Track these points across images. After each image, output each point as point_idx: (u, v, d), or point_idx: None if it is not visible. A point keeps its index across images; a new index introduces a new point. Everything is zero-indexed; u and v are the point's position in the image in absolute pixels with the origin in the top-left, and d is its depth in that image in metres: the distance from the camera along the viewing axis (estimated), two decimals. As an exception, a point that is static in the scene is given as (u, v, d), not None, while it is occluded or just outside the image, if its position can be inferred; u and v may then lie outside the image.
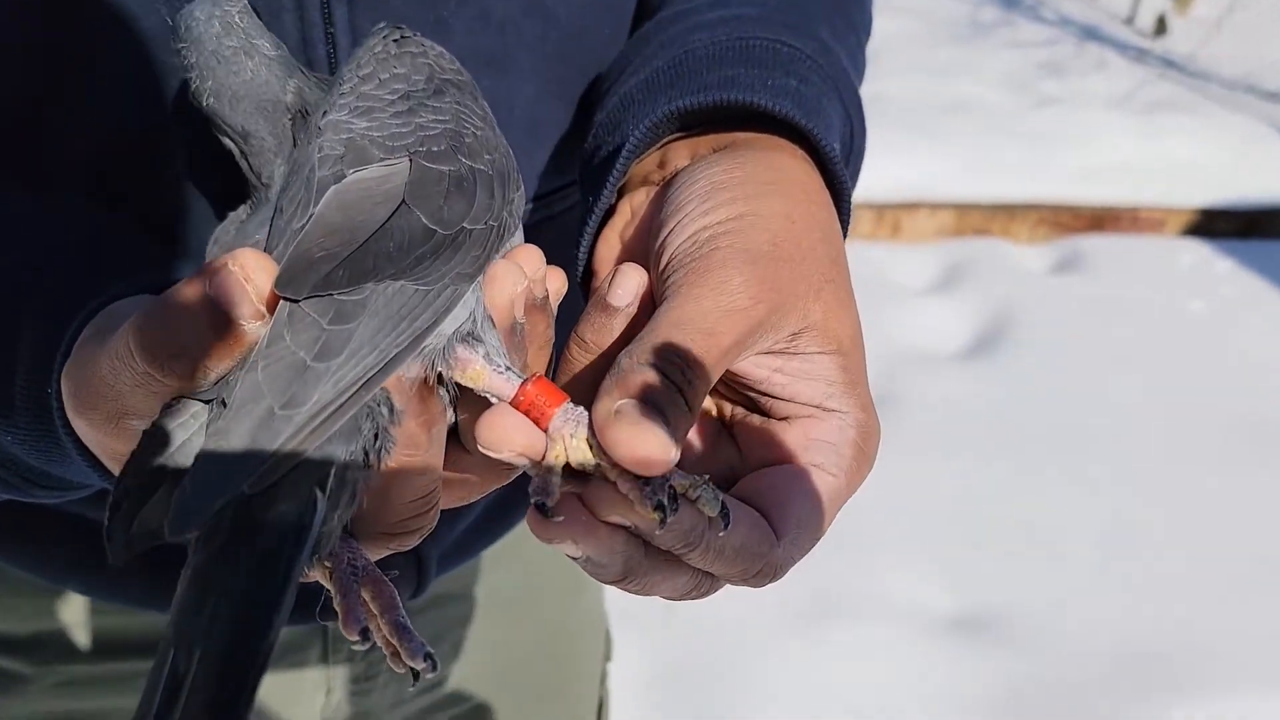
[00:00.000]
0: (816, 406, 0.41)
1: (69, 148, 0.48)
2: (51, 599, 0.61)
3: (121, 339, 0.35)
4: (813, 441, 0.41)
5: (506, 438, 0.37)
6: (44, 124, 0.48)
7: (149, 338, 0.34)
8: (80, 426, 0.39)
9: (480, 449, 0.37)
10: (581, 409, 0.38)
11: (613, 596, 0.96)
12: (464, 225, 0.37)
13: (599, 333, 0.42)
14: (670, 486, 0.37)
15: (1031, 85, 3.34)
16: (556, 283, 0.42)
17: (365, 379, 0.34)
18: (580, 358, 0.43)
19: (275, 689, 0.68)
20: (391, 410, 0.36)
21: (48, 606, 0.61)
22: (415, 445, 0.37)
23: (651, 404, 0.36)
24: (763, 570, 0.39)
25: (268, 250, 0.37)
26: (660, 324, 0.39)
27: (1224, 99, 3.28)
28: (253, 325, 0.34)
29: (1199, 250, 2.79)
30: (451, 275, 0.37)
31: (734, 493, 0.41)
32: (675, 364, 0.37)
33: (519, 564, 0.76)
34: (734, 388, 0.43)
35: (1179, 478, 2.00)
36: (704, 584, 0.40)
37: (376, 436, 0.36)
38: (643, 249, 0.45)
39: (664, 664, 1.62)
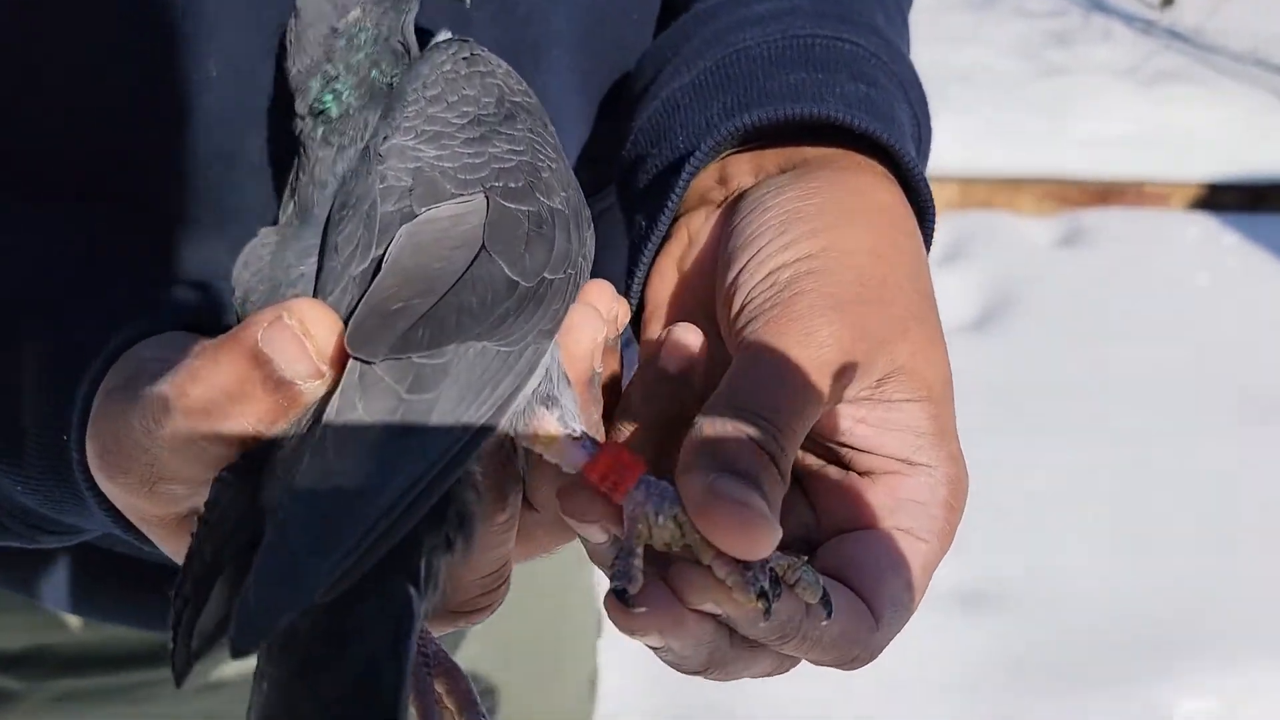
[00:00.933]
0: (903, 460, 0.37)
1: (58, 147, 0.44)
2: (41, 614, 0.59)
3: (157, 397, 0.31)
4: (900, 502, 0.37)
5: (588, 508, 0.33)
6: (26, 120, 0.44)
7: (192, 398, 0.30)
8: (110, 490, 0.35)
9: (564, 516, 0.34)
10: (664, 483, 0.34)
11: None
12: (545, 275, 0.33)
13: (650, 400, 0.38)
14: (771, 569, 0.33)
15: (1038, 55, 3.30)
16: (620, 310, 0.38)
17: (452, 456, 0.29)
18: (626, 425, 0.38)
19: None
20: (472, 487, 0.32)
21: (37, 622, 0.59)
22: (493, 520, 0.33)
23: (746, 477, 0.32)
24: (859, 657, 0.36)
25: (319, 295, 0.33)
26: (743, 379, 0.35)
27: (1231, 71, 3.24)
28: (311, 385, 0.30)
29: (1205, 223, 2.77)
30: (533, 334, 0.33)
31: (818, 564, 0.36)
32: (765, 429, 0.33)
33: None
34: (810, 438, 0.39)
35: (1183, 449, 1.99)
36: (787, 664, 0.36)
37: (461, 518, 0.32)
38: (705, 284, 0.41)
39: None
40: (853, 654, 0.35)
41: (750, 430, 0.33)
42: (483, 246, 0.32)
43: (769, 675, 0.37)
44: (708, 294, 0.40)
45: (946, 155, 2.90)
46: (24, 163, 0.44)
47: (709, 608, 0.33)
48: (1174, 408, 2.10)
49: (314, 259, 0.35)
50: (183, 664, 0.30)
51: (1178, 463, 1.97)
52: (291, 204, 0.37)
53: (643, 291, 0.44)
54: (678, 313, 0.42)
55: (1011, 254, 2.58)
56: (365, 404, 0.29)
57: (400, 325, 0.30)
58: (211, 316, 0.40)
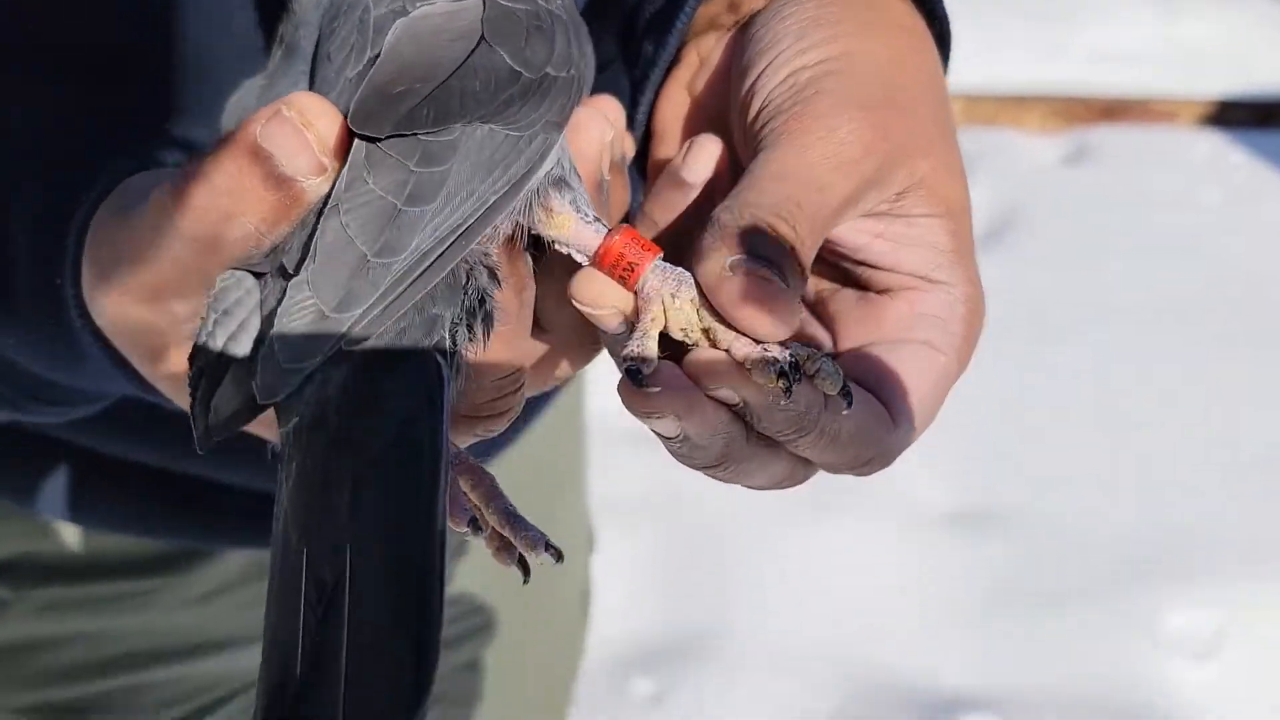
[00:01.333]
0: (921, 278, 0.37)
1: (39, 14, 0.42)
2: (27, 522, 0.58)
3: (158, 204, 0.30)
4: (919, 316, 0.37)
5: (604, 292, 0.33)
6: None
7: (192, 201, 0.29)
8: (108, 308, 0.34)
9: (577, 303, 0.33)
10: (680, 269, 0.33)
11: (598, 488, 0.94)
12: (548, 70, 0.33)
13: (668, 209, 0.38)
14: (791, 357, 0.32)
15: (1045, -32, 3.22)
16: (625, 144, 0.38)
17: (465, 227, 0.30)
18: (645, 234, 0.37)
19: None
20: (490, 272, 0.32)
21: (23, 530, 0.58)
22: (507, 313, 0.32)
23: (765, 259, 0.32)
24: (875, 458, 0.35)
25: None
26: (762, 177, 0.34)
27: (1244, -18, 3.16)
28: (314, 182, 0.29)
29: (1213, 141, 2.72)
30: (542, 123, 0.32)
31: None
32: (784, 219, 0.33)
33: (503, 464, 0.73)
34: (825, 259, 0.38)
35: (1189, 369, 1.99)
36: (799, 472, 0.36)
37: (481, 301, 0.32)
38: (718, 103, 0.40)
39: (662, 552, 1.62)
40: (868, 454, 0.35)
41: (770, 219, 0.33)
42: (482, 38, 0.32)
43: (779, 485, 0.36)
44: (721, 114, 0.39)
45: (950, 70, 2.84)
46: (3, 35, 0.42)
47: (725, 393, 0.32)
48: (1180, 327, 2.08)
49: (305, 83, 0.35)
50: (203, 435, 0.30)
51: (1182, 383, 1.96)
52: (279, 51, 0.36)
53: (649, 121, 0.43)
54: (689, 134, 0.41)
55: (1016, 172, 2.54)
56: (375, 177, 0.29)
57: (405, 104, 0.30)
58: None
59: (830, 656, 1.48)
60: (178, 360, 0.34)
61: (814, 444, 0.33)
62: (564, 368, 0.37)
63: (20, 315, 0.37)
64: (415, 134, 0.30)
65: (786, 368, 0.32)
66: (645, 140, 0.43)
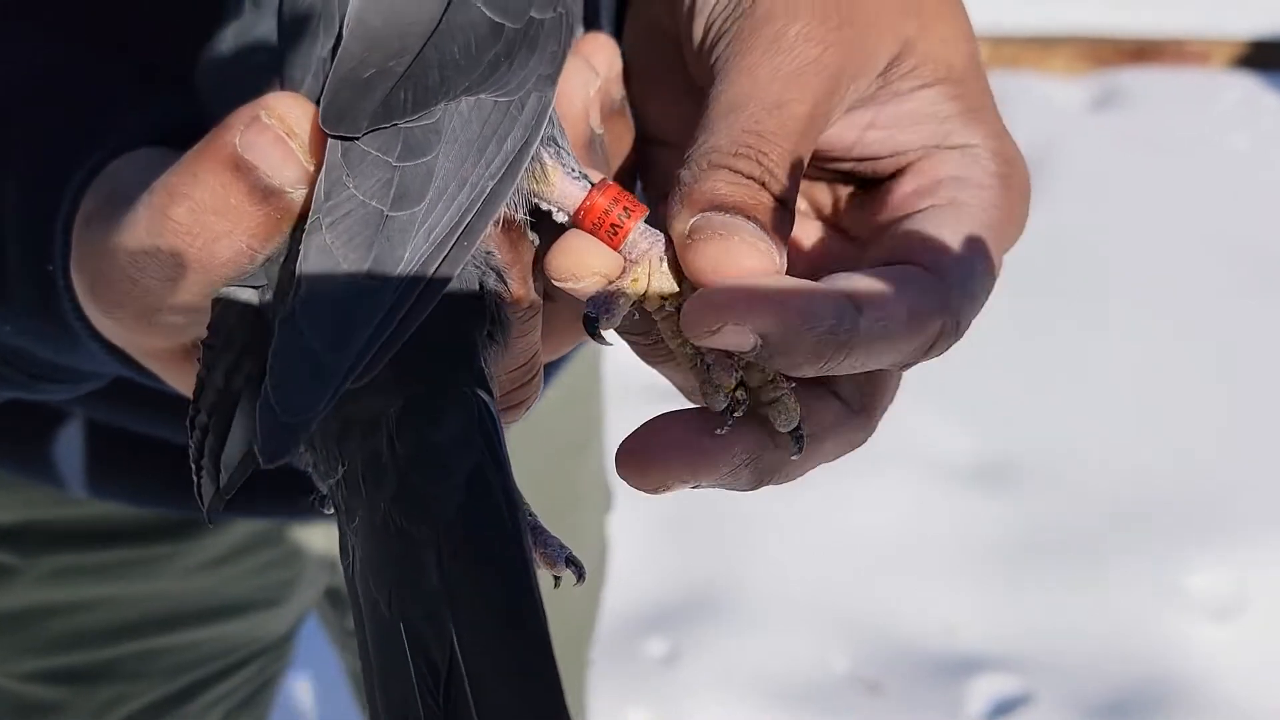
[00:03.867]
0: (931, 149, 0.32)
1: None
2: (36, 489, 0.57)
3: (140, 224, 0.28)
4: (935, 183, 0.32)
5: (581, 261, 0.29)
6: None
7: (178, 222, 0.27)
8: (104, 326, 0.32)
9: (551, 278, 0.30)
10: (659, 232, 0.30)
11: (611, 447, 0.93)
12: (531, 14, 0.29)
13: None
14: (736, 382, 0.29)
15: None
16: (617, 62, 0.34)
17: (464, 225, 0.27)
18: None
19: (278, 565, 0.65)
20: (496, 273, 0.29)
21: (32, 497, 0.57)
22: (518, 305, 0.30)
23: (733, 209, 0.29)
24: (944, 328, 0.30)
25: (287, 85, 0.30)
26: (712, 114, 0.30)
27: (1282, -83, 3.06)
28: (301, 191, 0.27)
29: (1246, 84, 2.66)
30: (534, 79, 0.29)
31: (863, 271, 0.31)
32: (746, 155, 0.29)
33: (522, 425, 0.72)
34: (824, 167, 0.34)
35: (1217, 319, 1.95)
36: (860, 428, 0.32)
37: (497, 307, 0.29)
38: (663, 38, 0.36)
39: (675, 510, 1.61)
40: (933, 329, 0.29)
41: (729, 161, 0.29)
42: None
43: (853, 446, 0.33)
44: (670, 48, 0.35)
45: (973, 12, 2.77)
46: None
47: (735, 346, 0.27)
48: (1208, 277, 2.05)
49: (273, 42, 0.32)
50: (212, 498, 0.28)
51: (1210, 334, 1.93)
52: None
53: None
54: (653, 72, 0.37)
55: (1042, 117, 2.49)
56: (356, 180, 0.26)
57: (378, 91, 0.27)
58: (184, 126, 0.36)
59: (845, 614, 1.48)
60: (176, 359, 0.33)
61: (868, 349, 0.28)
62: (575, 334, 0.34)
63: (15, 303, 0.36)
64: (395, 124, 0.27)
65: (731, 401, 0.29)
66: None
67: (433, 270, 0.26)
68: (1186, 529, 1.58)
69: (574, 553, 0.30)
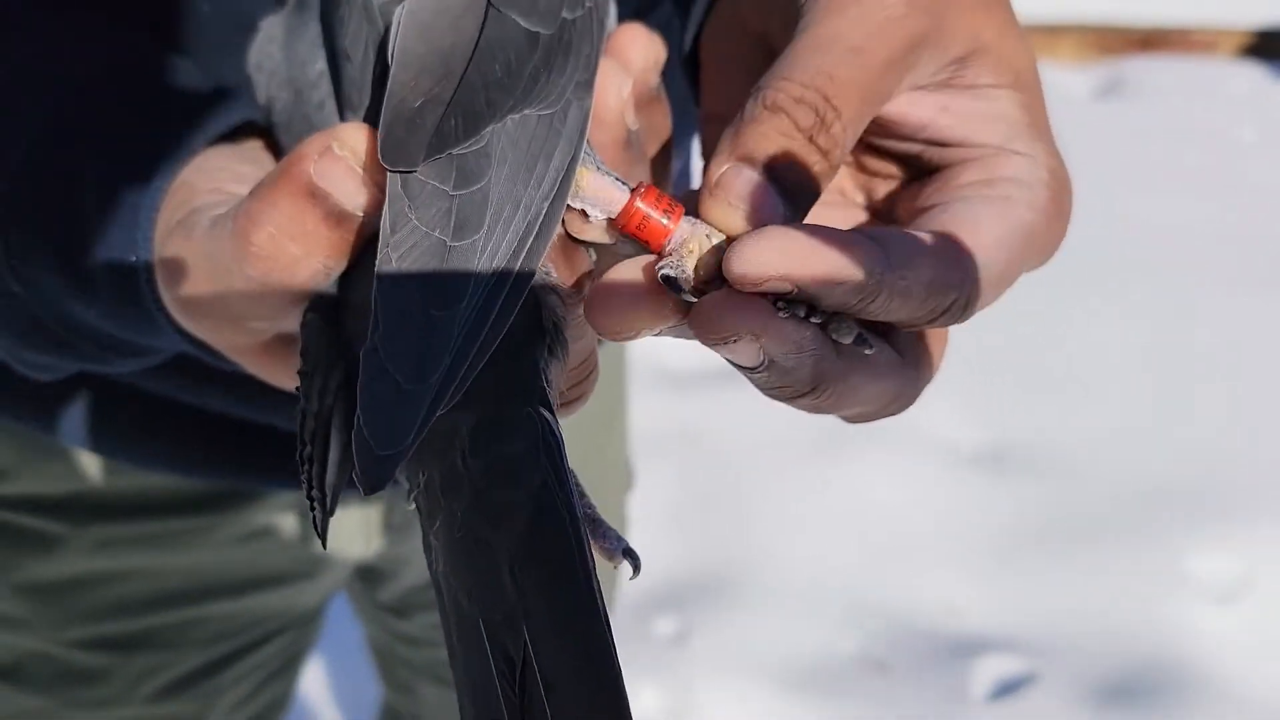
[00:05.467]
0: (997, 148, 0.33)
1: None
2: (85, 460, 0.58)
3: (225, 249, 0.30)
4: (996, 179, 0.33)
5: (629, 323, 0.30)
6: None
7: (257, 246, 0.29)
8: (192, 330, 0.35)
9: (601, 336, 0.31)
10: (698, 223, 0.30)
11: (636, 423, 0.93)
12: (563, 15, 0.30)
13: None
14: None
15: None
16: (656, 52, 0.34)
17: (527, 247, 0.28)
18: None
19: (312, 538, 0.66)
20: (553, 291, 0.30)
21: (81, 468, 0.59)
22: (574, 311, 0.31)
23: (773, 165, 0.29)
24: (955, 301, 0.30)
25: (346, 108, 0.32)
26: (794, 48, 0.31)
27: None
28: (374, 216, 0.29)
29: (1254, 74, 2.66)
30: (571, 87, 0.30)
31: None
32: (808, 102, 0.30)
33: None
34: (892, 145, 0.35)
35: (1221, 308, 1.96)
36: (906, 392, 0.33)
37: (555, 326, 0.30)
38: (744, 34, 0.37)
39: (685, 491, 1.63)
40: (947, 297, 0.30)
41: (799, 93, 0.30)
42: (488, 3, 0.30)
43: (886, 410, 0.33)
44: (756, 47, 0.36)
45: None
46: None
47: (748, 345, 0.28)
48: (1214, 268, 2.06)
49: (322, 51, 0.33)
50: (323, 524, 0.30)
51: (1214, 323, 1.94)
52: None
53: (696, 43, 0.40)
54: (734, 65, 0.37)
55: (1048, 106, 2.49)
56: (418, 212, 0.28)
57: (429, 121, 0.28)
58: (245, 121, 0.38)
59: (853, 595, 1.50)
60: (256, 353, 0.35)
61: (887, 303, 0.29)
62: None
63: (100, 292, 0.37)
64: (449, 153, 0.28)
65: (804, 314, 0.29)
66: (693, 62, 0.40)
67: (500, 297, 0.28)
68: (1190, 513, 1.60)
69: (631, 546, 0.31)
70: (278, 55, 0.35)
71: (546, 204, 0.29)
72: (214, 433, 0.57)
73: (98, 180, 0.37)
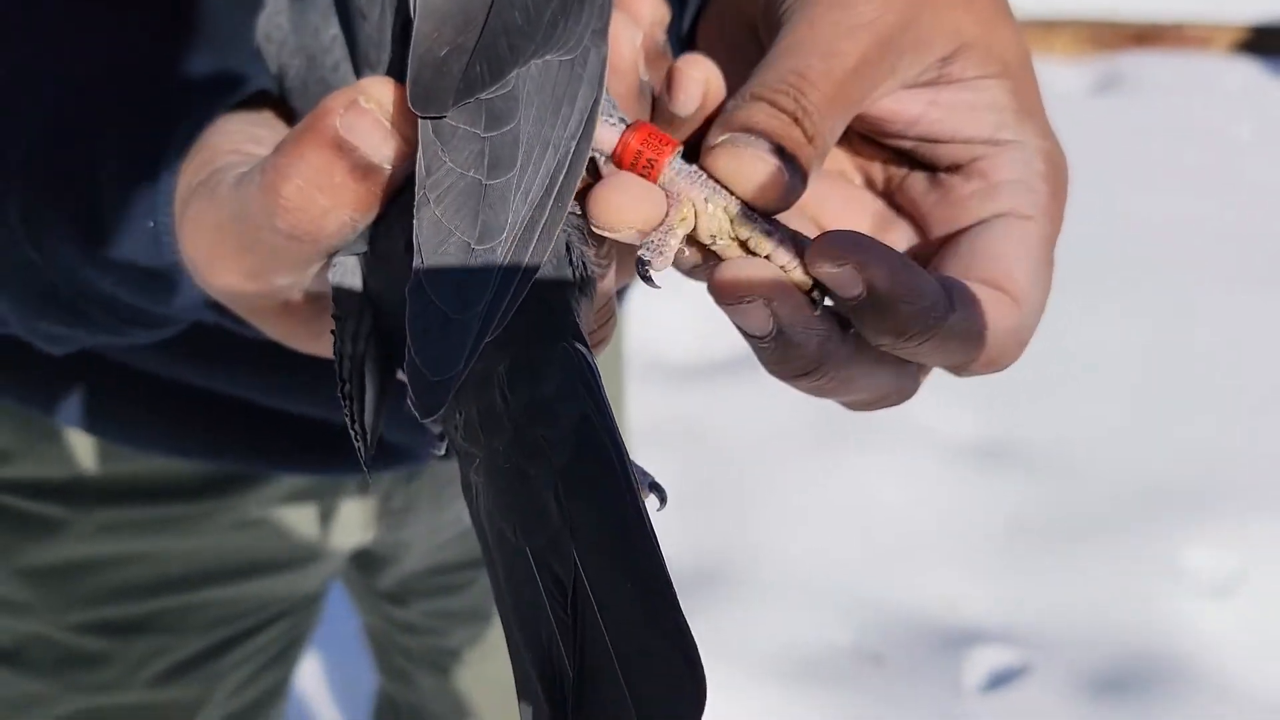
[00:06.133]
0: (986, 142, 0.35)
1: None
2: (87, 444, 0.58)
3: (253, 203, 0.31)
4: (995, 185, 0.35)
5: (622, 213, 0.31)
6: None
7: (285, 198, 0.30)
8: (212, 287, 0.35)
9: (596, 229, 0.32)
10: (696, 168, 0.32)
11: (634, 414, 0.94)
12: None
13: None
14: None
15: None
16: (659, 10, 0.36)
17: (558, 185, 0.29)
18: None
19: (313, 522, 0.66)
20: (580, 233, 0.31)
21: (80, 451, 0.59)
22: (597, 251, 0.32)
23: (762, 135, 0.31)
24: (998, 353, 0.33)
25: (363, 65, 0.32)
26: (770, 56, 0.33)
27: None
28: (400, 167, 0.30)
29: (1249, 70, 2.67)
30: (589, 34, 0.31)
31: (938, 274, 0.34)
32: (785, 91, 0.32)
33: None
34: (887, 141, 0.37)
35: (1217, 305, 1.97)
36: (906, 385, 0.34)
37: (584, 265, 0.31)
38: (739, 21, 0.38)
39: (685, 484, 1.63)
40: (980, 350, 0.33)
41: (771, 95, 0.32)
42: None
43: (886, 401, 0.35)
44: (749, 32, 0.37)
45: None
46: None
47: (759, 313, 0.31)
48: (1210, 264, 2.06)
49: (335, 18, 0.34)
50: (367, 456, 0.31)
51: (1209, 319, 1.95)
52: None
53: (694, 27, 0.41)
54: (726, 51, 0.39)
55: (1044, 100, 2.50)
56: (450, 154, 0.28)
57: (455, 68, 0.29)
58: (258, 92, 0.39)
59: (850, 589, 1.50)
60: (277, 313, 0.35)
61: (938, 345, 0.31)
62: (630, 270, 0.36)
63: (117, 253, 0.38)
64: (476, 98, 0.29)
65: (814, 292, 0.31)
66: (691, 37, 0.41)
67: (536, 231, 0.28)
68: (1186, 508, 1.60)
69: (657, 480, 0.32)
70: (286, 25, 0.35)
71: (574, 143, 0.30)
72: (217, 416, 0.57)
73: (116, 146, 0.37)
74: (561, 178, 0.29)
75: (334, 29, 0.34)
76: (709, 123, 0.35)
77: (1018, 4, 0.36)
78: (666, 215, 0.32)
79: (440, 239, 0.28)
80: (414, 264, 0.28)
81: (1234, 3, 2.76)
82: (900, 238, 0.37)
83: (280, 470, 0.61)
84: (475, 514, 0.29)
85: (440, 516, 0.72)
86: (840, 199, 0.38)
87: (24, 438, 0.58)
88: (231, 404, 0.56)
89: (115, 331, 0.42)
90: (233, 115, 0.37)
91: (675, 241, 0.32)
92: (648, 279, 0.32)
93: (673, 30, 0.39)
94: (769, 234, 0.32)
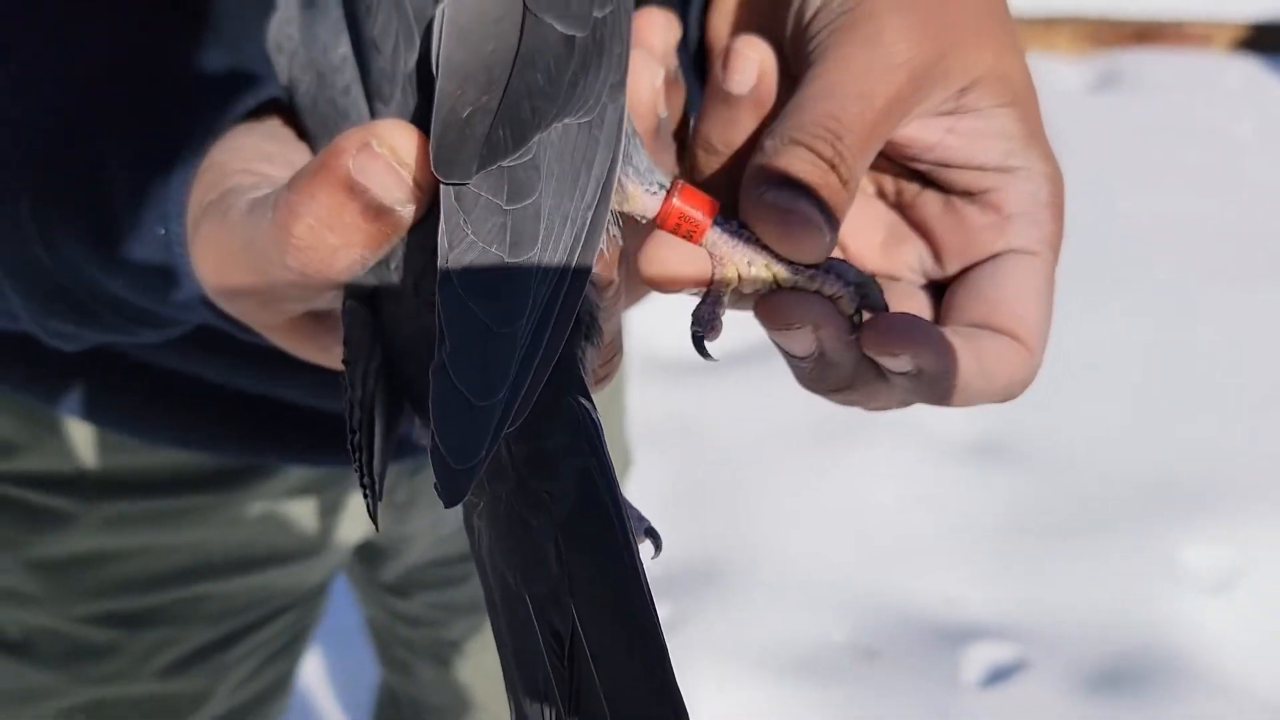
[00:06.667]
0: (997, 169, 0.37)
1: None
2: (96, 437, 0.59)
3: (265, 238, 0.31)
4: (1007, 218, 0.37)
5: (674, 272, 0.33)
6: None
7: (297, 237, 0.30)
8: (224, 307, 0.36)
9: (649, 282, 0.33)
10: (734, 224, 0.34)
11: (633, 413, 0.94)
12: (594, 14, 0.31)
13: (726, 129, 0.37)
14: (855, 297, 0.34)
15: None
16: (671, 33, 0.37)
17: (574, 260, 0.29)
18: (710, 164, 0.37)
19: (318, 515, 0.67)
20: (593, 281, 0.32)
21: (86, 444, 0.59)
22: (604, 295, 0.33)
23: (797, 186, 0.33)
24: (1006, 389, 0.36)
25: (375, 98, 0.32)
26: (804, 95, 0.34)
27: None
28: (409, 209, 0.30)
29: (1249, 67, 2.67)
30: (605, 90, 0.31)
31: (949, 318, 0.37)
32: (823, 137, 0.33)
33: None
34: (903, 163, 0.39)
35: (1216, 302, 1.98)
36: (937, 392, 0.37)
37: (591, 313, 0.32)
38: (769, 11, 0.39)
39: (681, 481, 1.63)
40: (997, 389, 0.36)
41: (808, 139, 0.33)
42: (524, 9, 0.30)
43: (905, 404, 0.37)
44: (773, 20, 0.38)
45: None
46: None
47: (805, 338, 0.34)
48: (1210, 263, 2.07)
49: (345, 35, 0.34)
50: (374, 509, 0.31)
51: (1208, 316, 1.95)
52: None
53: (703, 37, 0.42)
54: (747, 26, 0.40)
55: (1043, 98, 2.49)
56: (474, 227, 0.29)
57: (478, 131, 0.29)
58: (266, 100, 0.39)
59: (846, 585, 1.51)
60: (284, 330, 0.36)
61: (966, 397, 0.34)
62: (642, 289, 0.38)
63: (126, 263, 0.38)
64: (499, 165, 0.29)
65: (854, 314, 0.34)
66: (700, 54, 0.42)
67: (555, 309, 0.29)
68: (1184, 505, 1.61)
69: (653, 525, 0.33)
70: (296, 36, 0.35)
71: (590, 213, 0.30)
72: (224, 408, 0.57)
73: (126, 151, 0.37)
74: (579, 250, 0.29)
75: (343, 48, 0.34)
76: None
77: (1018, 1, 0.38)
78: (713, 282, 0.33)
79: (463, 319, 0.28)
80: (436, 347, 0.28)
81: (1232, 1, 2.76)
82: (912, 251, 0.39)
83: (286, 462, 0.61)
84: (478, 557, 0.29)
85: (443, 510, 0.73)
86: (856, 208, 0.39)
87: (31, 430, 0.58)
88: (237, 396, 0.57)
89: (124, 331, 0.42)
90: (242, 128, 0.37)
91: (723, 311, 0.34)
92: (703, 352, 0.33)
93: (681, 44, 0.40)
94: (813, 277, 0.34)
